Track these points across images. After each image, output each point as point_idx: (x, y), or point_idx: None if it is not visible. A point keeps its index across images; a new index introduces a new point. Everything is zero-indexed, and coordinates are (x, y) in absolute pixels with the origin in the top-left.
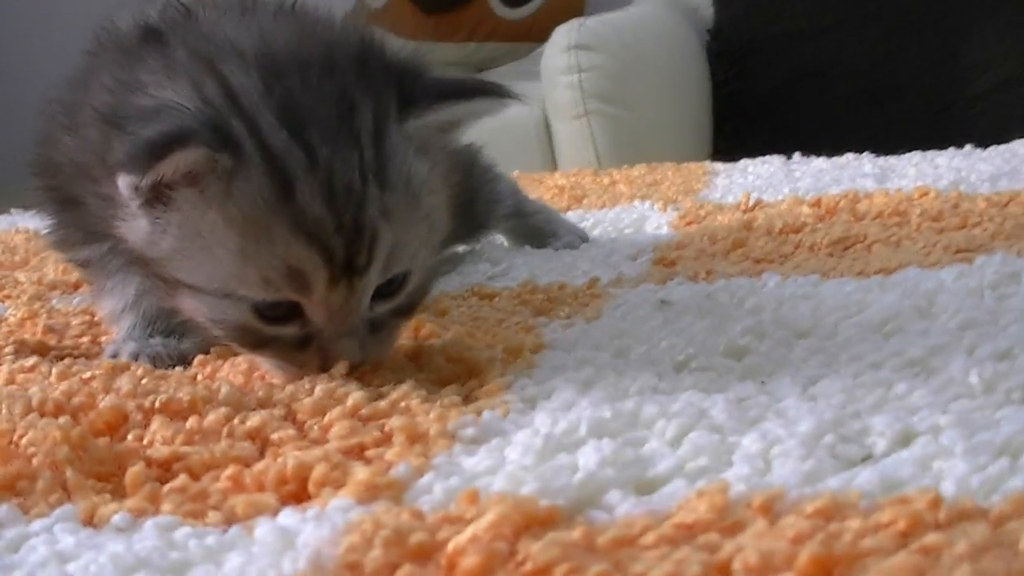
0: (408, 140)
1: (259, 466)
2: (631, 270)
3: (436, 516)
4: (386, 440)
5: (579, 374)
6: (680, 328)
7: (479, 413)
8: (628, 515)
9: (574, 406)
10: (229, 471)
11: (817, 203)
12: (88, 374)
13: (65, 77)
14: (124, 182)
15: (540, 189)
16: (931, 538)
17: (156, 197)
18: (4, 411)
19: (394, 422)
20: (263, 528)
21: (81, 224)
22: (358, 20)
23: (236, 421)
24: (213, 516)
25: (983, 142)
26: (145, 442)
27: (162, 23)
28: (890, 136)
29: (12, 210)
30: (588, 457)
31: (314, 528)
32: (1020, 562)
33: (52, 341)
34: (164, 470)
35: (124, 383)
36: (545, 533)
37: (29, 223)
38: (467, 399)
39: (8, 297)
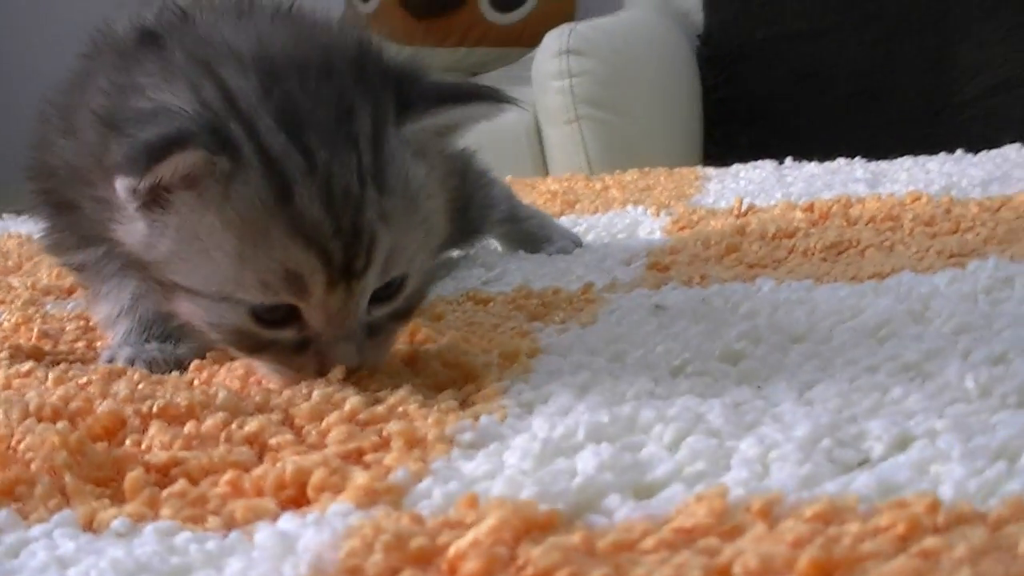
0: (406, 144)
1: (258, 471)
2: (625, 275)
3: (436, 521)
4: (384, 445)
5: (575, 379)
6: (675, 333)
7: (477, 418)
8: (627, 519)
9: (571, 411)
10: (228, 476)
11: (810, 208)
12: (84, 379)
13: (60, 80)
14: (122, 185)
15: (533, 194)
16: (930, 542)
17: (154, 200)
18: (1, 416)
19: (392, 427)
20: (263, 533)
21: (76, 228)
22: (355, 23)
23: (234, 426)
24: (213, 521)
25: (973, 147)
26: (143, 447)
27: (159, 26)
28: (880, 140)
29: (4, 215)
30: (587, 461)
31: (314, 533)
32: (1019, 565)
33: (47, 346)
34: (163, 475)
35: (121, 388)
36: (545, 537)
37: (22, 228)
38: (464, 404)
39: (2, 302)
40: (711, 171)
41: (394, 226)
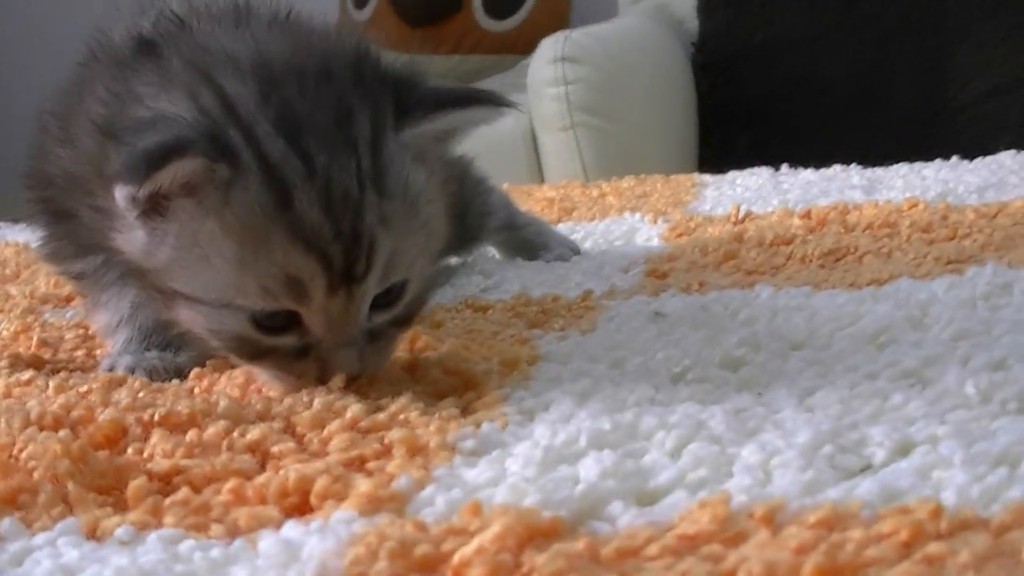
0: (405, 148)
1: (260, 479)
2: (623, 282)
3: (440, 528)
4: (386, 452)
5: (576, 386)
6: (675, 340)
7: (478, 425)
8: (630, 526)
9: (573, 418)
10: (230, 484)
11: (807, 215)
12: (85, 387)
13: (58, 89)
14: (121, 193)
15: (529, 201)
16: (934, 548)
17: (153, 208)
18: (3, 425)
19: (394, 434)
20: (267, 541)
21: (75, 236)
22: (353, 30)
23: (236, 434)
24: (216, 529)
25: (968, 153)
26: (145, 455)
27: (156, 34)
28: (875, 147)
29: (1, 224)
30: (589, 469)
31: (319, 541)
32: (1023, 572)
33: (46, 355)
34: (165, 483)
35: (122, 396)
36: (549, 545)
37: (19, 236)
38: (465, 411)
39: (0, 311)
40: (707, 178)
41: (394, 230)
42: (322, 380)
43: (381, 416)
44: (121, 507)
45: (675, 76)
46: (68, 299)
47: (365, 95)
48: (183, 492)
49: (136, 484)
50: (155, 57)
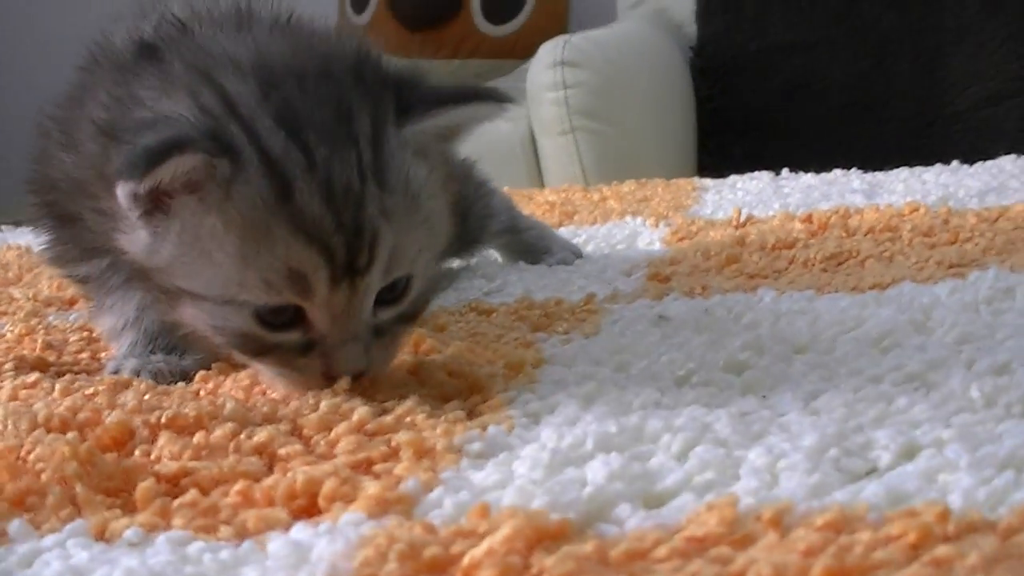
0: (406, 144)
1: (268, 481)
2: (626, 286)
3: (448, 530)
4: (393, 455)
5: (581, 389)
6: (679, 343)
7: (484, 428)
8: (639, 529)
9: (579, 421)
10: (238, 486)
11: (808, 219)
12: (91, 390)
13: (59, 93)
14: (123, 190)
15: (530, 205)
16: (942, 550)
17: (155, 206)
18: (10, 427)
19: (400, 437)
20: (276, 543)
21: (79, 240)
22: (353, 34)
23: (243, 436)
24: (224, 531)
25: (967, 158)
26: (153, 457)
27: (157, 38)
28: (875, 151)
29: (3, 227)
30: (596, 471)
31: (328, 543)
32: None
33: (51, 357)
34: (173, 485)
35: (128, 399)
36: (557, 547)
37: (21, 239)
38: (471, 414)
39: (4, 314)
40: (708, 182)
41: (396, 223)
42: (327, 376)
43: (387, 419)
44: (129, 509)
45: (674, 81)
46: (72, 302)
47: (366, 93)
48: (191, 494)
49: (144, 486)
50: (157, 61)
